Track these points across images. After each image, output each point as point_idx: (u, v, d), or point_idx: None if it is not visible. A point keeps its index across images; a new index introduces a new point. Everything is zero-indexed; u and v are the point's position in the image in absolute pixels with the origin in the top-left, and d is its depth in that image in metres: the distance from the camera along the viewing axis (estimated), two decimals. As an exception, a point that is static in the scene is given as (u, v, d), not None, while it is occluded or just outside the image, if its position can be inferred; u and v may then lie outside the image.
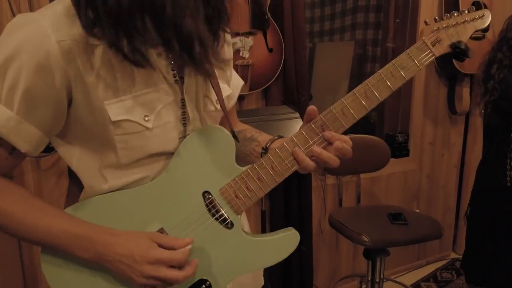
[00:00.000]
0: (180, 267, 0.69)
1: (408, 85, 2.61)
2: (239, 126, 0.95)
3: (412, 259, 2.82)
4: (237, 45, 1.75)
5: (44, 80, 0.64)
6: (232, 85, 0.90)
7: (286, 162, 0.76)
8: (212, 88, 0.78)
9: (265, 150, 0.81)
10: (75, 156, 0.73)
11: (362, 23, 3.36)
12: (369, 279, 2.04)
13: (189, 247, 0.70)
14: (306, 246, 2.16)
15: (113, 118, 0.67)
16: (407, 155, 2.63)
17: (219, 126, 0.79)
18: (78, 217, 0.71)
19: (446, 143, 2.75)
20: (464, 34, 0.80)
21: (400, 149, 2.59)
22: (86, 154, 0.72)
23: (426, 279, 2.66)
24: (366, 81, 0.76)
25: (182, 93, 0.74)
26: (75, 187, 0.77)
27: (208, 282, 0.77)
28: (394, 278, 2.57)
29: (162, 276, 0.67)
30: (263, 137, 0.85)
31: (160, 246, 0.69)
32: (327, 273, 2.44)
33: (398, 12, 2.66)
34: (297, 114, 1.95)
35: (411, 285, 2.52)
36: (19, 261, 1.45)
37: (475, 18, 0.81)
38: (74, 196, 0.76)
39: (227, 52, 0.86)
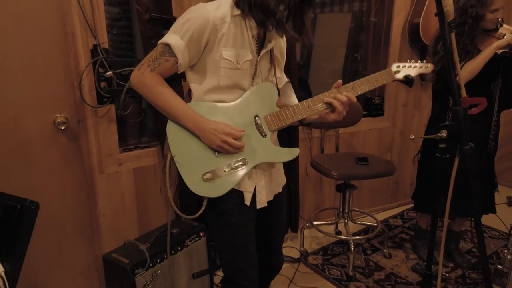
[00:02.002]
0: (236, 139, 1.32)
1: (384, 56, 3.09)
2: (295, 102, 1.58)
3: (386, 202, 3.40)
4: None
5: (201, 32, 1.27)
6: (281, 75, 1.55)
7: (303, 110, 1.40)
8: (273, 68, 1.45)
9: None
10: (193, 80, 1.38)
11: (359, -5, 3.75)
12: (341, 210, 2.64)
13: (243, 133, 1.34)
14: (294, 184, 2.74)
15: (224, 56, 1.30)
16: (382, 114, 3.15)
17: (272, 83, 1.44)
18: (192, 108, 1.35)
19: (417, 105, 3.26)
20: (413, 72, 1.45)
21: (376, 110, 3.11)
22: (199, 79, 1.37)
23: (394, 216, 3.26)
24: (355, 81, 1.39)
25: (256, 61, 1.37)
26: (188, 99, 1.44)
27: (245, 160, 1.37)
28: (375, 213, 3.15)
29: (229, 141, 1.30)
30: None
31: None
32: (312, 207, 3.04)
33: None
34: (287, 79, 2.47)
35: (380, 221, 3.11)
36: (83, 167, 2.03)
37: (423, 67, 1.46)
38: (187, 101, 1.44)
39: (283, 47, 1.50)
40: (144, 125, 2.33)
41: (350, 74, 3.63)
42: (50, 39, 1.80)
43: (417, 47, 3.04)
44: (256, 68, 1.38)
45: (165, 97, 1.32)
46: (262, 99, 1.39)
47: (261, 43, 1.38)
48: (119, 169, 2.15)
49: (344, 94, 1.37)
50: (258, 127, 1.39)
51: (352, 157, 2.55)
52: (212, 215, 1.44)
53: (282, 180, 1.61)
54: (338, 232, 2.93)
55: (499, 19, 2.11)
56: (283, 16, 1.25)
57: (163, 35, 1.99)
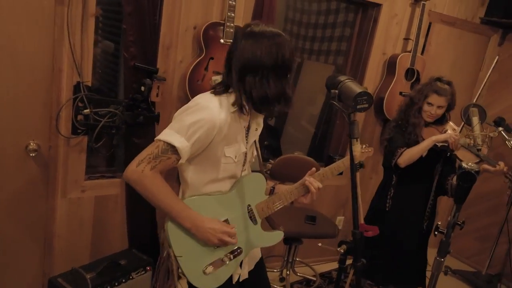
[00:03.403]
0: (231, 237, 1.41)
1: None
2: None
3: (334, 253, 3.55)
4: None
5: (208, 135, 1.33)
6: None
7: (287, 196, 1.56)
8: (256, 150, 1.58)
9: (272, 189, 1.62)
10: (190, 171, 1.44)
11: (344, 51, 4.02)
12: (285, 259, 2.81)
13: (235, 230, 1.43)
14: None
15: (226, 154, 1.41)
16: (341, 174, 3.36)
17: (261, 174, 1.55)
18: (189, 206, 1.39)
19: (375, 169, 3.50)
20: (362, 157, 1.88)
21: (336, 168, 3.33)
22: (196, 171, 1.44)
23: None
24: (325, 169, 1.61)
25: (245, 153, 1.50)
26: (178, 186, 1.53)
27: (241, 249, 1.50)
28: (316, 264, 3.33)
29: (225, 239, 1.39)
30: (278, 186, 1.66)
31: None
32: (263, 253, 3.19)
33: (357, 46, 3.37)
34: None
35: (324, 272, 3.29)
36: (47, 189, 2.16)
37: (367, 151, 1.90)
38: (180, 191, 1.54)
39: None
40: (113, 156, 2.48)
41: (325, 121, 3.86)
42: (37, 71, 1.95)
43: (380, 119, 3.30)
44: (245, 157, 1.52)
45: (165, 197, 1.35)
46: (253, 189, 1.53)
47: (247, 131, 1.50)
48: (81, 195, 2.28)
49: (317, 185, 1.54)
50: (250, 215, 1.53)
51: (303, 213, 2.74)
52: None
53: (259, 254, 1.73)
54: (282, 279, 3.09)
55: (446, 115, 2.40)
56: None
57: (144, 83, 2.18)
